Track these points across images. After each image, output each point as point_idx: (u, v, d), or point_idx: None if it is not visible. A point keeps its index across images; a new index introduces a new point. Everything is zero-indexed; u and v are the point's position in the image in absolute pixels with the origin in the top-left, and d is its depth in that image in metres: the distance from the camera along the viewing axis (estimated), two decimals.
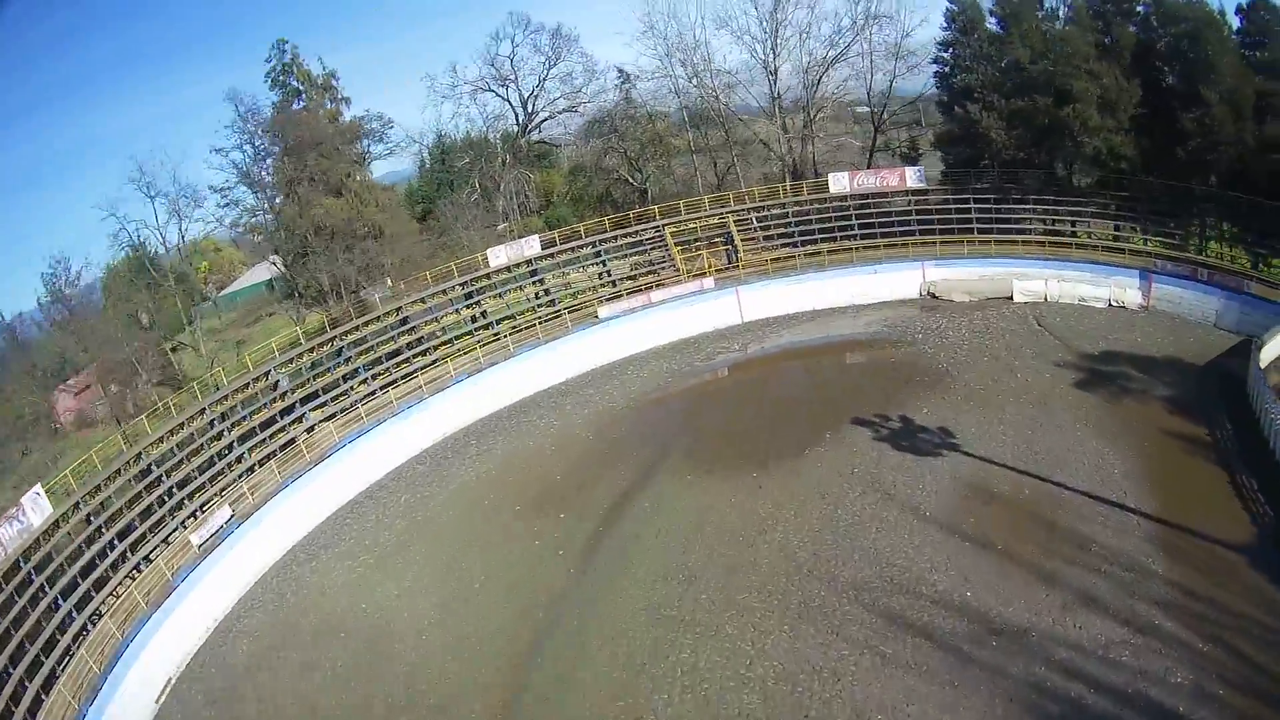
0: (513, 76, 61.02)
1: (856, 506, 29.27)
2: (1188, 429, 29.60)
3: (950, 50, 48.42)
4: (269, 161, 52.40)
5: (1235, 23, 41.17)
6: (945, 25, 48.50)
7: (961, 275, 46.27)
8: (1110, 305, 42.46)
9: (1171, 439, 29.21)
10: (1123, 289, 42.28)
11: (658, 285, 47.06)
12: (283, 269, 54.97)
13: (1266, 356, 31.53)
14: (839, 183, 48.49)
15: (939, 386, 36.83)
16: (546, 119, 65.14)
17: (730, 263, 48.45)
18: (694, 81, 56.51)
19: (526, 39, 60.31)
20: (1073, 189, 46.20)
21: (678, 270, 47.76)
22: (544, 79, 61.65)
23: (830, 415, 35.91)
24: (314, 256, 50.26)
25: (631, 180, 61.07)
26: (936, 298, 46.68)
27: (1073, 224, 46.21)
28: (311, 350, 41.10)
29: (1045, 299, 44.17)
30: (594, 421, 40.40)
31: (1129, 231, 44.36)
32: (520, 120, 63.85)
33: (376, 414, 39.61)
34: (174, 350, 57.42)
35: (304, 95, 52.11)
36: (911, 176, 48.26)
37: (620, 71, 60.55)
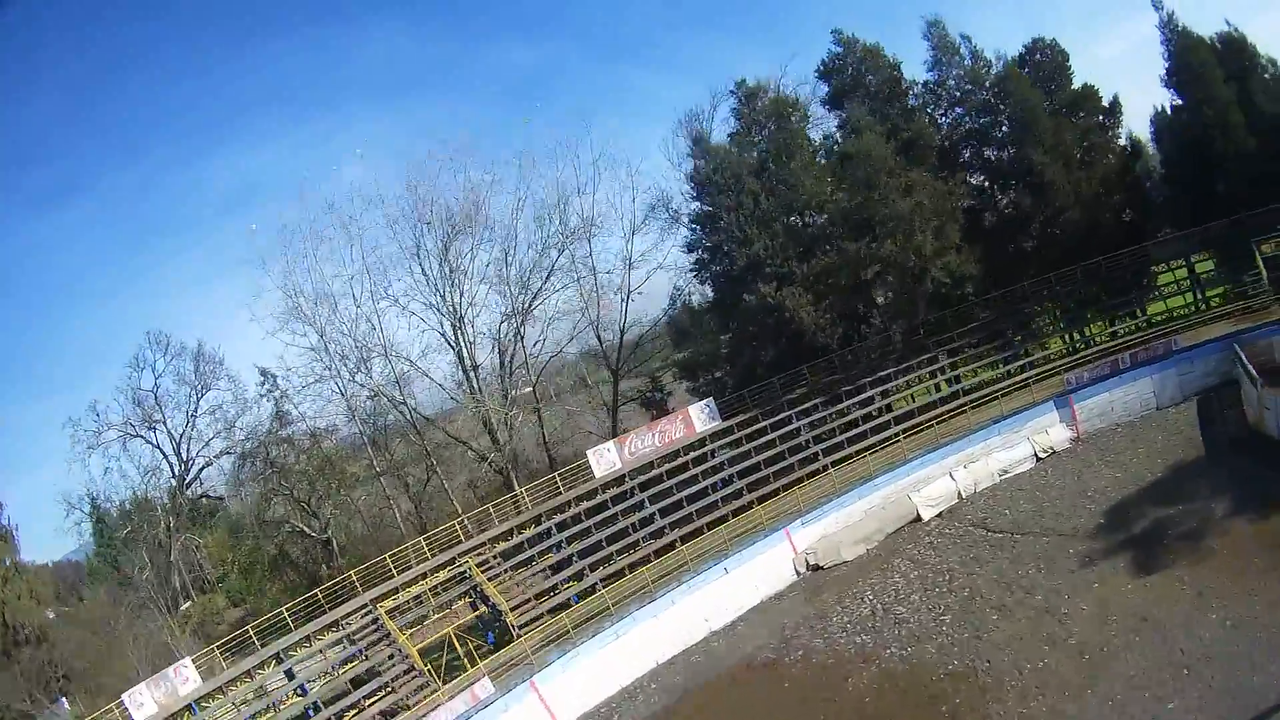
0: (160, 416, 47.22)
1: None
2: None
3: (709, 228, 36.85)
4: None
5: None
6: (694, 194, 37.56)
7: (841, 522, 31.73)
8: (1039, 458, 32.04)
9: None
10: (1043, 432, 32.31)
11: (403, 711, 25.51)
12: None
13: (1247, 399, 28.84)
14: (605, 460, 32.51)
15: (991, 702, 20.34)
16: (205, 466, 49.90)
17: (494, 629, 29.19)
18: (358, 376, 40.02)
19: (169, 366, 46.98)
20: (912, 343, 35.92)
21: (422, 674, 26.57)
22: (193, 415, 47.75)
23: None
24: None
25: (308, 530, 44.36)
26: (823, 568, 30.97)
27: (893, 402, 35.98)
28: None
29: (962, 496, 31.55)
30: None
31: (986, 365, 35.47)
32: (176, 471, 48.87)
33: None
34: None
35: None
36: (700, 417, 34.16)
37: (264, 374, 44.60)
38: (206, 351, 48.19)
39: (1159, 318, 36.08)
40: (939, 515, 31.12)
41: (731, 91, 38.08)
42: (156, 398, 48.25)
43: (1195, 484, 26.50)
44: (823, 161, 36.97)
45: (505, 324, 38.44)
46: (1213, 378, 31.14)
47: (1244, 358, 29.13)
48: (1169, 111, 37.77)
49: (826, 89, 38.87)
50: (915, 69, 39.03)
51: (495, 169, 39.26)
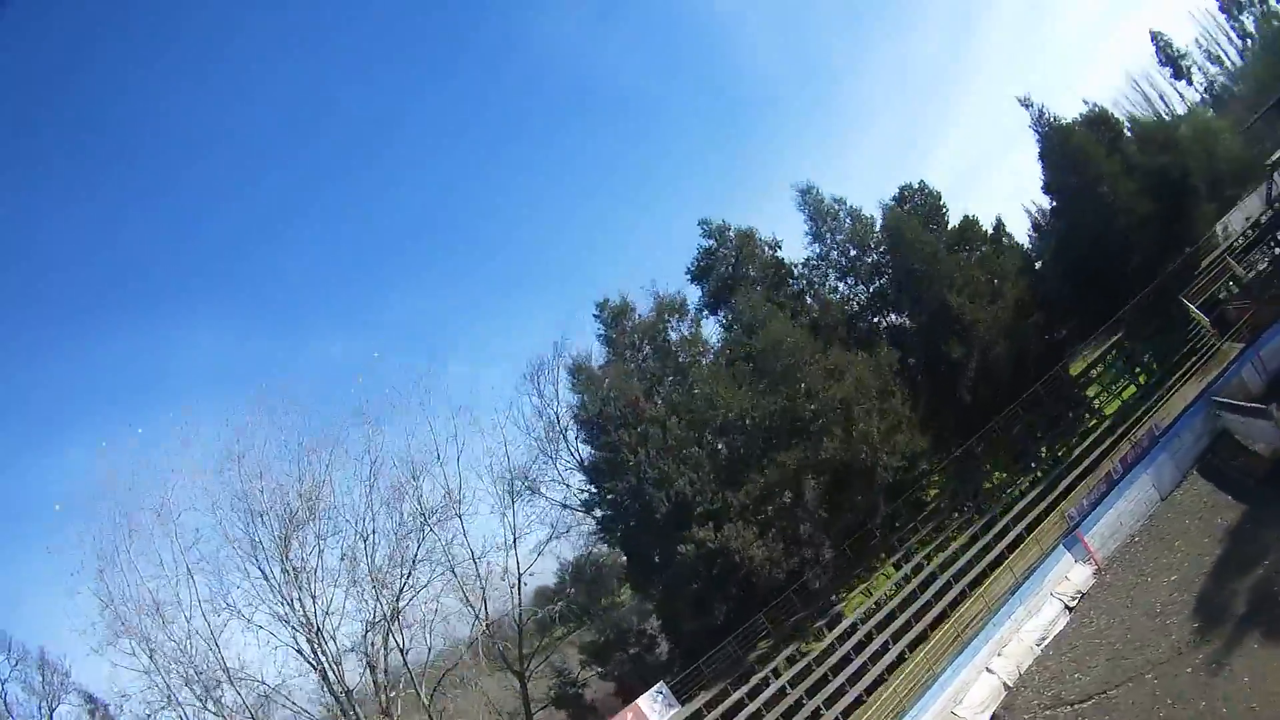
0: None
1: None
2: None
3: (611, 476, 29.45)
4: None
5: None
6: (584, 438, 31.15)
7: None
8: (1070, 608, 26.38)
9: None
10: (1063, 579, 26.87)
11: None
12: None
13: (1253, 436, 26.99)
14: None
15: None
16: None
17: None
18: (209, 705, 26.14)
19: (14, 671, 34.44)
20: (871, 549, 30.28)
21: None
22: None
23: None
24: None
25: None
26: None
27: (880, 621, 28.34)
28: None
29: (1009, 686, 24.66)
30: None
31: (965, 544, 30.07)
32: None
33: None
34: None
35: None
36: (654, 708, 24.95)
37: (92, 704, 32.15)
38: (50, 660, 36.29)
39: (1123, 404, 33.34)
40: (995, 709, 23.86)
41: (595, 315, 33.13)
42: (5, 705, 38.15)
43: (1263, 535, 22.79)
44: (722, 370, 31.65)
45: (370, 633, 28.81)
46: (1204, 439, 28.74)
47: (1231, 403, 27.90)
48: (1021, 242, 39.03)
49: (700, 292, 35.02)
50: (790, 249, 36.53)
51: (336, 430, 30.66)
